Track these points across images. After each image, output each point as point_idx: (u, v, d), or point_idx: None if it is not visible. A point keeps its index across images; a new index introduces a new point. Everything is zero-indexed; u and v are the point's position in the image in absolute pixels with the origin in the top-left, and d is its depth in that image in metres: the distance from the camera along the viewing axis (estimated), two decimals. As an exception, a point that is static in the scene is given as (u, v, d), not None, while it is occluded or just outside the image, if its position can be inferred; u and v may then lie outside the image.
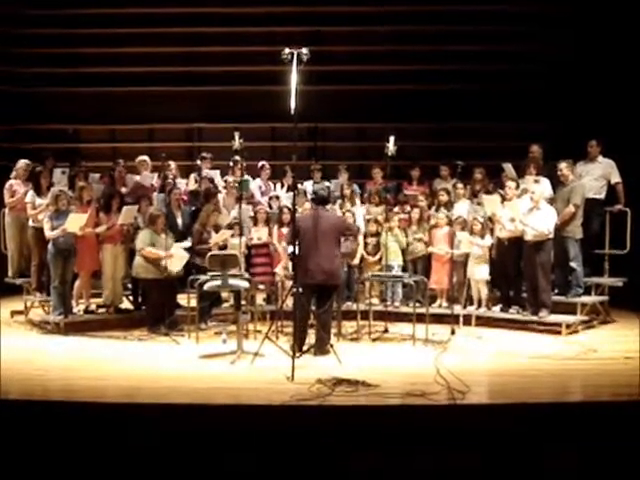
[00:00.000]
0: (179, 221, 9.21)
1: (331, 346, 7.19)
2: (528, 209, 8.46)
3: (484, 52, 12.07)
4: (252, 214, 9.38)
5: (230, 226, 9.02)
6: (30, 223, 9.03)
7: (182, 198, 9.48)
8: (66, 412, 5.60)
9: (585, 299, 8.94)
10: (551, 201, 8.70)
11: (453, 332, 8.36)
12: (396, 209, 9.59)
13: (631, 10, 10.50)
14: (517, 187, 8.68)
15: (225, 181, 10.03)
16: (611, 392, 6.23)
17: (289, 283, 8.00)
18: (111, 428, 5.39)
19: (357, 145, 12.62)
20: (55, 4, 12.40)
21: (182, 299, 8.72)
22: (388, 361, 7.24)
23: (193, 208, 9.43)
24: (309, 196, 8.86)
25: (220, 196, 9.64)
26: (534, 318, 8.56)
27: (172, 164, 10.11)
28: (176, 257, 8.38)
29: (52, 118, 12.30)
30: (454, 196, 9.35)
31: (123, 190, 9.61)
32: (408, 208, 9.57)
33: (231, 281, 7.51)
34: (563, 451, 5.26)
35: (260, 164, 10.45)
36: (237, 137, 8.10)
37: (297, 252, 7.27)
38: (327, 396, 5.86)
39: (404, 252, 9.28)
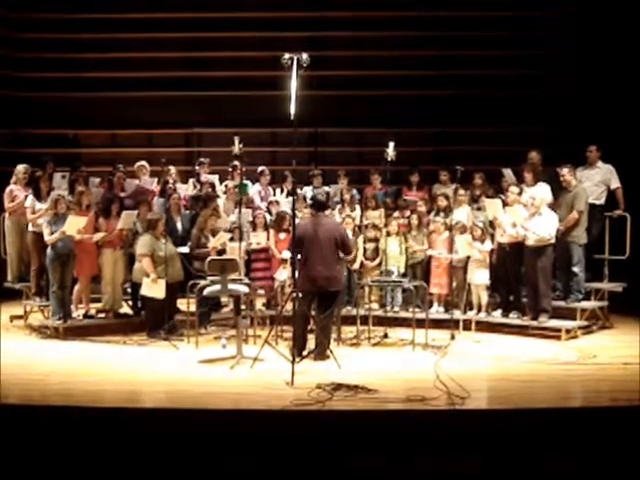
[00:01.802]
0: (179, 226, 9.20)
1: (331, 351, 7.19)
2: (530, 214, 8.46)
3: (483, 57, 12.12)
4: (251, 219, 9.38)
5: (229, 230, 9.02)
6: (30, 228, 9.03)
7: (182, 203, 9.48)
8: (65, 417, 5.59)
9: (585, 304, 8.93)
10: (551, 206, 8.70)
11: (453, 337, 8.35)
12: (396, 214, 9.60)
13: (631, 16, 10.53)
14: (520, 192, 8.68)
15: (225, 186, 10.04)
16: (611, 397, 6.25)
17: (289, 288, 7.99)
18: (110, 433, 5.39)
19: (357, 150, 12.64)
20: (56, 9, 12.42)
21: (182, 304, 8.72)
22: (388, 366, 7.24)
23: (193, 213, 9.43)
24: (308, 201, 8.86)
25: (220, 201, 9.64)
26: (534, 323, 8.55)
27: (172, 169, 10.12)
28: (159, 284, 8.19)
29: (52, 123, 12.31)
30: (454, 201, 9.35)
31: (122, 194, 9.61)
32: (408, 213, 9.58)
33: (231, 286, 7.49)
34: (563, 456, 5.26)
35: (260, 169, 10.45)
36: (237, 142, 8.09)
37: (298, 258, 7.27)
38: (327, 401, 5.85)
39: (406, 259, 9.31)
